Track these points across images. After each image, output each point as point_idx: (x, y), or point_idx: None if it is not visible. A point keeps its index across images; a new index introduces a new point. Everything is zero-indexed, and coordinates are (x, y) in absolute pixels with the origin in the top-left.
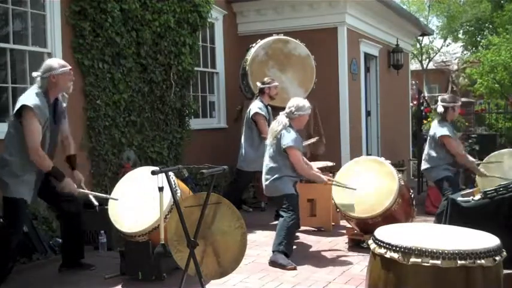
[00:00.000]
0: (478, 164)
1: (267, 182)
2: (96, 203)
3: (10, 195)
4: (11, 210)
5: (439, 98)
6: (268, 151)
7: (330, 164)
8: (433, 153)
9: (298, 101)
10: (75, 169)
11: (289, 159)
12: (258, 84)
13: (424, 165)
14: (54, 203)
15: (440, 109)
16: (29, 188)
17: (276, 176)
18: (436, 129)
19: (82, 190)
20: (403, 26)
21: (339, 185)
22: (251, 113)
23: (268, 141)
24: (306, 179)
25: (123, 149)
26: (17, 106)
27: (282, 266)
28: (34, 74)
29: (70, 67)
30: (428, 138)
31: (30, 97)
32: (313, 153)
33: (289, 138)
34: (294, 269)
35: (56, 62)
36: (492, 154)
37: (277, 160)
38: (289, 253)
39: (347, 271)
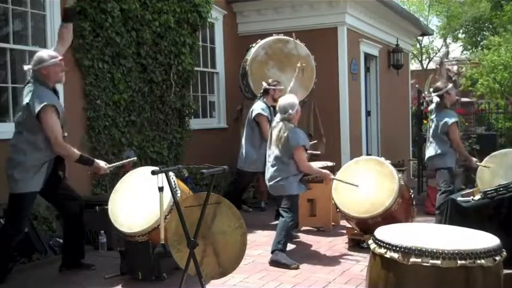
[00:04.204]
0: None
1: (273, 182)
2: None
3: (19, 191)
4: (16, 208)
5: (431, 90)
6: (274, 152)
7: (330, 164)
8: (442, 141)
9: (288, 100)
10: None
11: (294, 157)
12: (264, 84)
13: (431, 153)
14: (57, 202)
15: (436, 99)
16: (39, 179)
17: (283, 176)
18: (446, 117)
19: (111, 165)
20: (403, 26)
21: (341, 181)
22: (253, 114)
23: (273, 144)
24: (306, 178)
25: (123, 149)
26: (37, 107)
27: (286, 266)
28: (25, 67)
29: (60, 57)
30: (434, 126)
31: (44, 94)
32: (313, 154)
33: (298, 138)
34: (297, 268)
35: (46, 53)
36: (493, 154)
37: (283, 160)
38: (285, 252)
39: (347, 271)
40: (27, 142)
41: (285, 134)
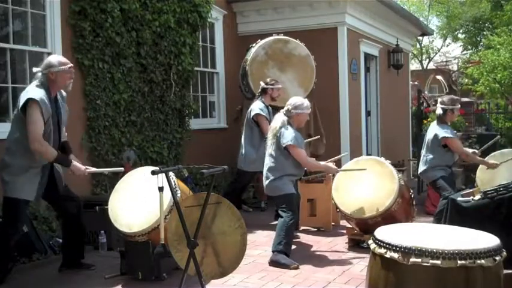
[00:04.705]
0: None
1: (267, 182)
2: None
3: (11, 195)
4: (11, 210)
5: (438, 100)
6: (268, 150)
7: (338, 157)
8: (430, 155)
9: (296, 100)
10: (70, 153)
11: (292, 157)
12: (262, 83)
13: (421, 168)
14: (55, 203)
15: (439, 111)
16: (32, 187)
17: (276, 175)
18: (437, 131)
19: (90, 169)
20: (403, 26)
21: (349, 170)
22: (252, 114)
23: (268, 140)
24: (306, 178)
25: (123, 149)
26: (22, 100)
27: (286, 266)
28: (34, 69)
29: (70, 65)
30: (426, 140)
31: (35, 91)
32: (313, 154)
33: (289, 136)
34: (297, 268)
35: (56, 59)
36: (492, 154)
37: (277, 159)
38: (288, 253)
39: (347, 271)
40: (17, 142)
41: (278, 126)
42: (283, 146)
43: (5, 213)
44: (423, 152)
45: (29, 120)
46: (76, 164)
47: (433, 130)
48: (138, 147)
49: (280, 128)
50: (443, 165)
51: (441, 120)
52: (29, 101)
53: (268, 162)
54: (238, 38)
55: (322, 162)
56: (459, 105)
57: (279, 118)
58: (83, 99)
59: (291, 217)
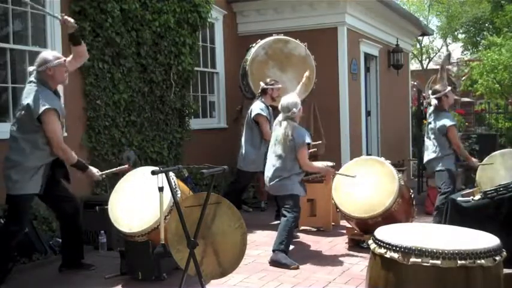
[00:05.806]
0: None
1: (275, 181)
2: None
3: (16, 193)
4: (15, 208)
5: (430, 92)
6: (276, 151)
7: (330, 163)
8: (440, 144)
9: (290, 99)
10: None
11: (297, 155)
12: (262, 84)
13: (430, 156)
14: (53, 204)
15: (434, 102)
16: (38, 182)
17: (286, 175)
18: (442, 120)
19: (103, 172)
20: (403, 26)
21: (341, 174)
22: (253, 114)
23: (277, 143)
24: (306, 178)
25: (123, 149)
26: (37, 109)
27: (286, 266)
28: (30, 68)
29: (64, 58)
30: (431, 129)
31: (46, 98)
32: (313, 154)
33: (303, 135)
34: (297, 268)
35: (51, 54)
36: (492, 154)
37: (287, 159)
38: (287, 252)
39: (347, 271)
40: (27, 141)
41: (290, 132)
42: (300, 145)
43: (10, 211)
44: (430, 141)
45: (49, 130)
46: (92, 169)
47: (439, 119)
48: (138, 147)
49: (291, 133)
50: (449, 154)
51: (440, 109)
52: (46, 110)
53: (275, 162)
54: (238, 38)
55: (319, 166)
56: (449, 87)
57: (287, 126)
58: (83, 99)
59: (294, 218)
